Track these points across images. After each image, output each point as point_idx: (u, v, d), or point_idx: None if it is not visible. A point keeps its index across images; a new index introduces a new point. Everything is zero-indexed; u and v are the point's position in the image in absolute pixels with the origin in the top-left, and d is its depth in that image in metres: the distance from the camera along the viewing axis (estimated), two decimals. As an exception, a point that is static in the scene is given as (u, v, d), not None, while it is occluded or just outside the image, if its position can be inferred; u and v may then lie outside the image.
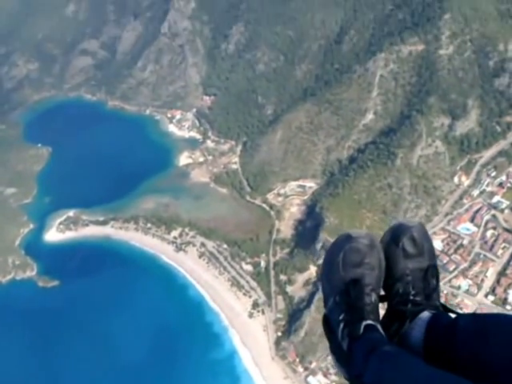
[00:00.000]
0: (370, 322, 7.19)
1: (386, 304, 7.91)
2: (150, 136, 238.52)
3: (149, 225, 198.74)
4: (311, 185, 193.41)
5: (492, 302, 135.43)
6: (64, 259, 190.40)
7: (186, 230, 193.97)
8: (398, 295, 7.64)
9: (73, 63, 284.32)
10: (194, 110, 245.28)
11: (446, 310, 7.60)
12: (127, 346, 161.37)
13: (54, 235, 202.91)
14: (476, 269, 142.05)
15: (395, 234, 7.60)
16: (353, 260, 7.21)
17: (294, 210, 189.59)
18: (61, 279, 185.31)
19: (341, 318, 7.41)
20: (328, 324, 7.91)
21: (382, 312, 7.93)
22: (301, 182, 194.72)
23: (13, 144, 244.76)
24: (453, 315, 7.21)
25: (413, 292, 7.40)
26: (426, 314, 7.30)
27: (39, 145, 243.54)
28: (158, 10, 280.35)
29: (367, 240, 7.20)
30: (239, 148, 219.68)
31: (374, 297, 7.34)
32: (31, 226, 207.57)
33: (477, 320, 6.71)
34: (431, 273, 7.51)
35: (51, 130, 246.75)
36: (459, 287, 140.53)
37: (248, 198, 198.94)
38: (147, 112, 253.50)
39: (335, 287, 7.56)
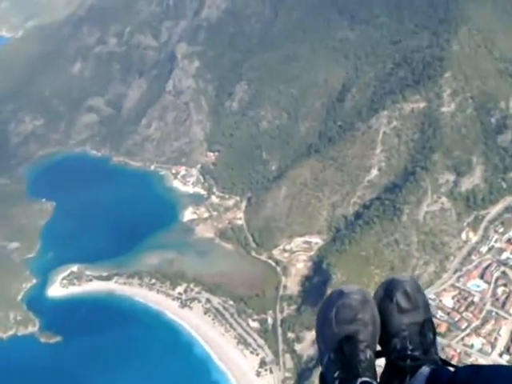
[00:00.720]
0: (366, 379, 7.06)
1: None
2: (155, 191, 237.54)
3: (153, 280, 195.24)
4: (317, 241, 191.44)
5: (507, 361, 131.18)
6: (67, 315, 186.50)
7: (191, 285, 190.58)
8: (396, 351, 7.50)
9: (78, 119, 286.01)
10: (199, 165, 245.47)
11: (445, 363, 7.41)
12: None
13: (57, 290, 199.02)
14: (489, 327, 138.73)
15: (388, 289, 7.71)
16: (345, 316, 7.19)
17: (301, 266, 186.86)
18: (63, 335, 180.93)
19: (336, 375, 7.25)
20: (324, 382, 7.56)
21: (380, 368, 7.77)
22: (307, 238, 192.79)
23: (17, 198, 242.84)
24: (452, 369, 7.05)
25: (410, 347, 7.34)
26: (425, 369, 7.14)
27: (43, 199, 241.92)
28: (162, 68, 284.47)
29: (360, 296, 7.27)
30: (244, 203, 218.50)
31: (369, 353, 7.21)
32: (34, 280, 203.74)
33: (476, 372, 6.39)
34: (428, 327, 7.51)
35: (55, 184, 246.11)
36: (472, 346, 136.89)
37: (253, 253, 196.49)
38: (152, 168, 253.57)
39: (329, 344, 7.37)
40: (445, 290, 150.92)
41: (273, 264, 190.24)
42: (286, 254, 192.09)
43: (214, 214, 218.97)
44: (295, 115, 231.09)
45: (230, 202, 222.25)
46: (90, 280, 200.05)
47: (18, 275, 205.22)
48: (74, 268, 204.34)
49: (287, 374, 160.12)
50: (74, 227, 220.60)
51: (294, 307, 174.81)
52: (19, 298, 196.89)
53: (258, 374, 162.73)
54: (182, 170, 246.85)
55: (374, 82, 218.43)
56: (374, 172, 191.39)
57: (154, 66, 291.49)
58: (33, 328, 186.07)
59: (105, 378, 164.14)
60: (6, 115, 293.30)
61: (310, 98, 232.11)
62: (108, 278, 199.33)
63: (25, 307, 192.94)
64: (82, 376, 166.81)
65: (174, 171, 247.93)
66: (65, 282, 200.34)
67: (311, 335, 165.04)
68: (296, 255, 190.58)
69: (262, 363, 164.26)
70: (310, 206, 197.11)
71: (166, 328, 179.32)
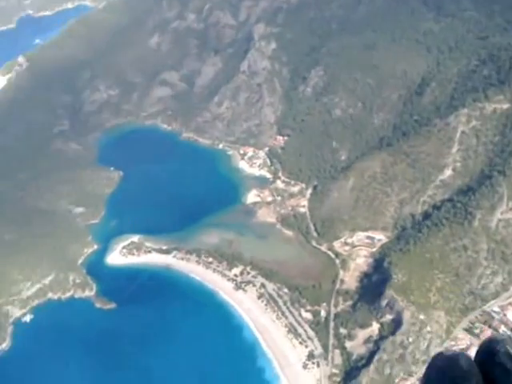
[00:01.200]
0: None
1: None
2: (221, 170, 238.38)
3: (210, 259, 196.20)
4: (380, 237, 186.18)
5: None
6: (123, 283, 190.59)
7: (248, 268, 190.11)
8: None
9: (152, 92, 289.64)
10: (267, 148, 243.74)
11: None
12: (172, 381, 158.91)
13: (116, 258, 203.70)
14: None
15: (490, 350, 7.47)
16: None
17: (361, 261, 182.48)
18: (118, 303, 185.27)
19: None
20: None
21: None
22: (370, 233, 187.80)
23: (87, 165, 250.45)
24: None
25: None
26: None
27: (112, 168, 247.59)
28: (238, 47, 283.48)
29: (465, 362, 7.20)
30: (309, 191, 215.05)
31: None
32: (95, 246, 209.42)
33: None
34: None
35: (124, 155, 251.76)
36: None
37: (314, 243, 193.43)
38: (220, 146, 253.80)
39: None
40: (511, 303, 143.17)
41: (332, 256, 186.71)
42: (347, 248, 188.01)
43: (278, 198, 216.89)
44: (370, 105, 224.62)
45: (295, 189, 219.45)
46: (149, 252, 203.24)
47: (81, 240, 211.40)
48: (135, 238, 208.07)
49: (334, 370, 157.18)
50: (139, 198, 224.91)
51: (349, 303, 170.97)
52: (79, 261, 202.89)
53: (305, 366, 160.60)
54: (250, 152, 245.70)
55: (456, 78, 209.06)
56: (448, 172, 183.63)
57: (230, 44, 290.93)
58: (90, 292, 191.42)
59: (152, 349, 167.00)
60: (82, 83, 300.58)
61: (386, 88, 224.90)
62: (166, 252, 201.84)
63: (84, 271, 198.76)
64: (131, 344, 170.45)
65: (241, 152, 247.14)
66: (124, 251, 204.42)
67: (364, 334, 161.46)
68: (357, 250, 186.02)
69: (310, 356, 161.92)
70: (377, 200, 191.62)
71: (218, 308, 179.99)
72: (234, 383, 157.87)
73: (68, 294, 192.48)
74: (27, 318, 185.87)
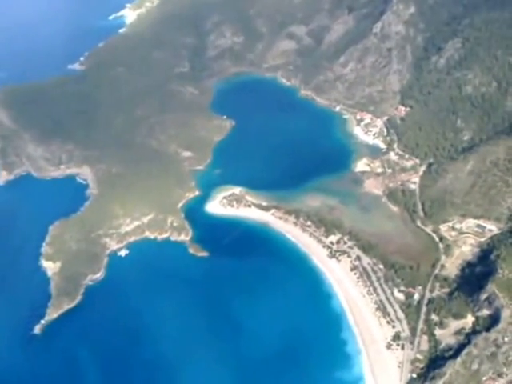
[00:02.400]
0: None
1: None
2: (334, 134, 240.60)
3: (309, 223, 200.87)
4: (492, 228, 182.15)
5: None
6: (219, 233, 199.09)
7: (345, 238, 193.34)
8: None
9: (276, 44, 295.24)
10: (386, 117, 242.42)
11: None
12: (255, 338, 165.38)
13: (215, 207, 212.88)
14: None
15: None
16: None
17: (466, 249, 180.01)
18: (211, 252, 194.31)
19: None
20: None
21: None
22: (481, 222, 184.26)
23: (200, 110, 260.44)
24: None
25: None
26: None
27: (224, 116, 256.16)
28: (374, 8, 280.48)
29: None
30: (423, 168, 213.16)
31: None
32: (196, 192, 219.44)
33: None
34: None
35: (239, 104, 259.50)
36: None
37: (419, 223, 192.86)
38: (337, 109, 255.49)
39: None
40: None
41: (436, 239, 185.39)
42: (454, 233, 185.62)
43: (388, 171, 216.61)
44: (506, 86, 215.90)
45: (408, 163, 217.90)
46: (249, 206, 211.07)
47: (184, 184, 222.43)
48: (237, 190, 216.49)
49: (419, 356, 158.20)
50: (247, 150, 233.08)
51: (446, 290, 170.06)
52: (179, 205, 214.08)
53: (389, 346, 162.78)
54: (367, 118, 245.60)
55: None
56: None
57: (365, 4, 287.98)
58: (185, 237, 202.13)
59: (239, 302, 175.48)
60: (209, 26, 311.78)
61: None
62: (266, 209, 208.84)
63: (182, 215, 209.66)
64: (218, 294, 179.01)
65: (358, 117, 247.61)
66: (224, 201, 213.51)
67: (456, 324, 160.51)
68: (464, 237, 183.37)
69: (396, 337, 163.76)
70: (495, 189, 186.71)
71: (309, 272, 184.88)
72: (315, 351, 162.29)
73: (164, 235, 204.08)
74: (122, 253, 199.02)
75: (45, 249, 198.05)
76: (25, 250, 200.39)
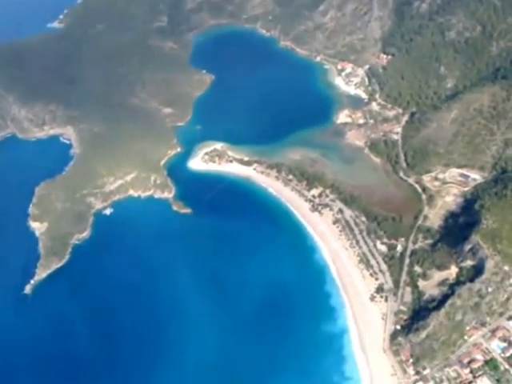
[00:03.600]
0: None
1: None
2: (314, 85, 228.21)
3: (290, 176, 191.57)
4: (476, 177, 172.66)
5: None
6: (201, 189, 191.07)
7: (327, 191, 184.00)
8: None
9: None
10: (367, 66, 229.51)
11: None
12: (240, 292, 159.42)
13: (197, 164, 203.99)
14: None
15: None
16: None
17: (450, 199, 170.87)
18: (194, 209, 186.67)
19: None
20: None
21: None
22: (465, 171, 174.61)
23: (179, 65, 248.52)
24: None
25: None
26: None
27: (204, 71, 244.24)
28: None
29: None
30: (405, 118, 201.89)
31: None
32: (178, 149, 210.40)
33: None
34: None
35: (218, 57, 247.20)
36: None
37: (401, 174, 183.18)
38: (317, 59, 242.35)
39: None
40: None
41: (419, 190, 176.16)
42: (437, 183, 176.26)
43: (370, 122, 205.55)
44: (491, 31, 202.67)
45: (391, 113, 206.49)
46: (230, 161, 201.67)
47: (166, 141, 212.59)
48: (218, 146, 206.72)
49: (402, 308, 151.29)
50: (227, 105, 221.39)
51: (429, 241, 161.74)
52: (162, 162, 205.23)
53: (372, 298, 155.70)
54: (348, 68, 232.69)
55: None
56: None
57: None
58: (168, 194, 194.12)
59: (223, 256, 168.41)
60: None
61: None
62: (248, 164, 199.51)
63: (165, 173, 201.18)
64: (202, 249, 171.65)
65: (339, 67, 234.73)
66: (206, 157, 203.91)
67: (440, 276, 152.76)
68: (447, 187, 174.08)
69: (379, 289, 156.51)
70: (479, 137, 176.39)
71: (292, 226, 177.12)
72: (299, 304, 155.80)
73: (148, 193, 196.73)
74: (107, 211, 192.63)
75: (32, 210, 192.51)
76: (12, 212, 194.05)
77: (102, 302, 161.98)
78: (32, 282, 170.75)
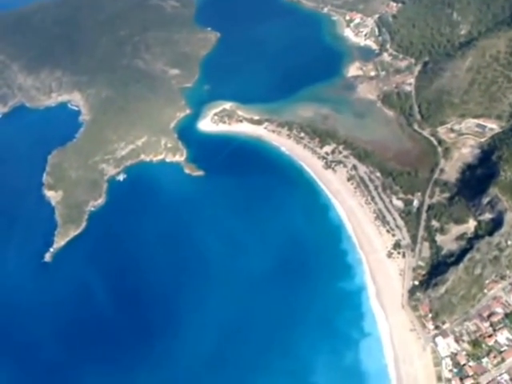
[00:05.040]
0: None
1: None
2: (323, 38, 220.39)
3: (302, 134, 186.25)
4: (493, 126, 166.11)
5: None
6: (213, 151, 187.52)
7: (340, 147, 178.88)
8: None
9: None
10: (377, 16, 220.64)
11: None
12: (258, 252, 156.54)
13: (207, 125, 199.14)
14: None
15: None
16: None
17: (466, 151, 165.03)
18: (207, 171, 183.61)
19: None
20: None
21: None
22: (481, 122, 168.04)
23: (183, 24, 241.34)
24: None
25: None
26: None
27: (209, 29, 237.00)
28: None
29: None
30: (418, 68, 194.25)
31: None
32: (187, 111, 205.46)
33: None
34: None
35: (223, 14, 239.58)
36: None
37: (416, 126, 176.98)
38: (324, 10, 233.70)
39: None
40: None
41: (434, 142, 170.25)
42: (453, 135, 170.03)
43: (382, 73, 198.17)
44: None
45: (403, 64, 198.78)
46: (241, 121, 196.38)
47: (174, 103, 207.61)
48: (227, 106, 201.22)
49: (420, 263, 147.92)
50: (235, 63, 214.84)
51: (446, 195, 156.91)
52: (172, 125, 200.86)
53: (390, 254, 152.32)
54: (357, 18, 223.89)
55: None
56: None
57: None
58: (180, 157, 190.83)
59: (239, 217, 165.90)
60: None
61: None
62: (258, 123, 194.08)
63: (175, 136, 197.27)
64: (218, 211, 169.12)
65: (347, 18, 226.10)
66: (216, 118, 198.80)
67: (458, 230, 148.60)
68: (464, 138, 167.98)
69: (396, 245, 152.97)
70: (496, 85, 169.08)
71: (305, 185, 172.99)
72: (316, 262, 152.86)
73: (159, 157, 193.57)
74: (121, 177, 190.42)
75: (46, 178, 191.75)
76: (27, 181, 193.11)
77: (122, 266, 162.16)
78: (51, 250, 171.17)
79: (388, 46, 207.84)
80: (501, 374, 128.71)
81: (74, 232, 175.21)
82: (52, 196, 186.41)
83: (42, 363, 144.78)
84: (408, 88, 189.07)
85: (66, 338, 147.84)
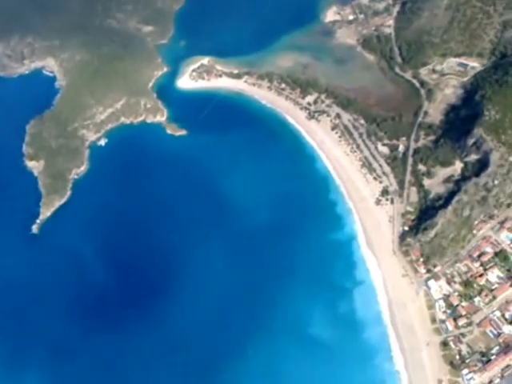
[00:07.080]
0: None
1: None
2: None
3: (283, 85, 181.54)
4: (475, 65, 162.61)
5: None
6: (194, 109, 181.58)
7: (323, 96, 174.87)
8: None
9: None
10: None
11: None
12: (247, 206, 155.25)
13: (186, 82, 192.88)
14: None
15: None
16: None
17: (449, 92, 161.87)
18: (189, 129, 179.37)
19: None
20: None
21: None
22: (463, 60, 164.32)
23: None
24: None
25: None
26: None
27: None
28: None
29: None
30: (396, 9, 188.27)
31: None
32: (165, 69, 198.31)
33: None
34: None
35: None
36: None
37: (397, 69, 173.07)
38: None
39: None
40: None
41: (417, 85, 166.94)
42: (435, 76, 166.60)
43: (361, 17, 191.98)
44: None
45: (381, 5, 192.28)
46: (220, 76, 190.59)
47: (151, 62, 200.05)
48: (205, 61, 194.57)
49: (409, 208, 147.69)
50: (209, 14, 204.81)
51: (431, 138, 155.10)
52: (150, 85, 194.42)
53: (378, 201, 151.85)
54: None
55: None
56: None
57: None
58: (161, 118, 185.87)
59: (227, 173, 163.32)
60: None
61: None
62: (238, 77, 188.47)
63: (154, 95, 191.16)
64: (205, 169, 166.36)
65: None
66: (194, 74, 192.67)
67: (444, 172, 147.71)
68: (446, 79, 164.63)
69: (384, 192, 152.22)
70: (475, 22, 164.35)
71: (290, 137, 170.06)
72: (305, 213, 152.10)
73: (140, 119, 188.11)
74: (102, 142, 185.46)
75: (26, 149, 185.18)
76: (7, 153, 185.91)
77: (111, 232, 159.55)
78: (38, 221, 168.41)
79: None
80: (493, 312, 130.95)
81: (59, 202, 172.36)
82: (34, 166, 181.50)
83: (44, 335, 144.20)
84: (387, 30, 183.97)
85: (66, 308, 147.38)
